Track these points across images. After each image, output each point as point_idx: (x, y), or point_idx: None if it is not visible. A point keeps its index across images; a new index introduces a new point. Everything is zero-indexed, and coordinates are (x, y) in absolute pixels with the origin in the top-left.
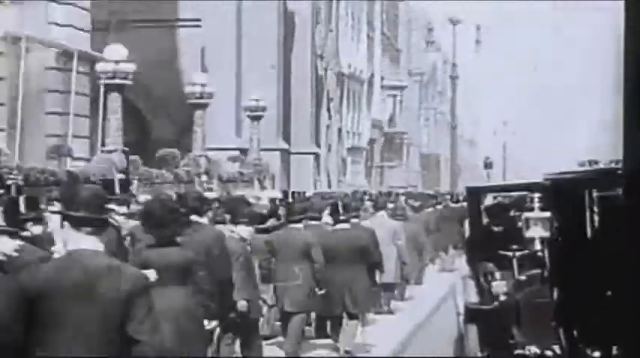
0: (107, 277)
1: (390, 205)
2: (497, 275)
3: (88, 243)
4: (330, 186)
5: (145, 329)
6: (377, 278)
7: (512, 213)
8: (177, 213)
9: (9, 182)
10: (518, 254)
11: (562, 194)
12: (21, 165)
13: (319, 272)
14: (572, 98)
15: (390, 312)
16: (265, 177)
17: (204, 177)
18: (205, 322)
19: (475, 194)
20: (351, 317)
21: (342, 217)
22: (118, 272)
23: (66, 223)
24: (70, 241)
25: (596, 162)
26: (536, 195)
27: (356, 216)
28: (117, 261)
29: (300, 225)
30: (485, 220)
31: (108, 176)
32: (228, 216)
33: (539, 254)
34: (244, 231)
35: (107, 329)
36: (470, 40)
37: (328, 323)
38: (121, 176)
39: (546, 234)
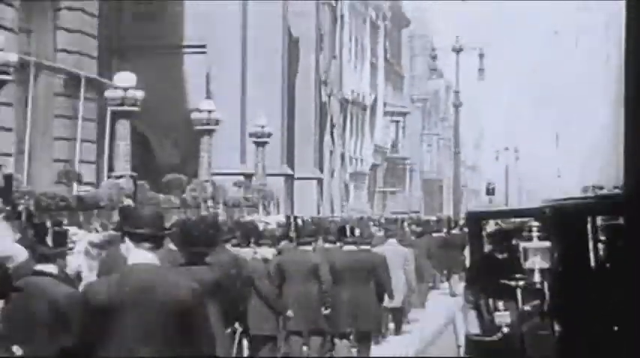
0: (166, 288)
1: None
2: (501, 305)
3: (148, 257)
4: (333, 211)
5: (201, 331)
6: (385, 301)
7: (515, 241)
8: (211, 233)
9: (20, 207)
10: (522, 283)
11: (564, 222)
12: (32, 190)
13: (326, 291)
14: (574, 119)
15: (398, 334)
16: (270, 202)
17: (210, 203)
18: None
19: (476, 219)
20: (360, 338)
21: (351, 239)
22: (176, 284)
23: (127, 239)
24: (131, 255)
25: (601, 188)
26: (535, 223)
27: (368, 243)
28: (174, 274)
29: (309, 247)
30: (486, 247)
31: (116, 201)
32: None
33: (538, 286)
34: (267, 252)
35: (166, 337)
36: (473, 67)
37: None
38: (129, 201)
39: (546, 265)
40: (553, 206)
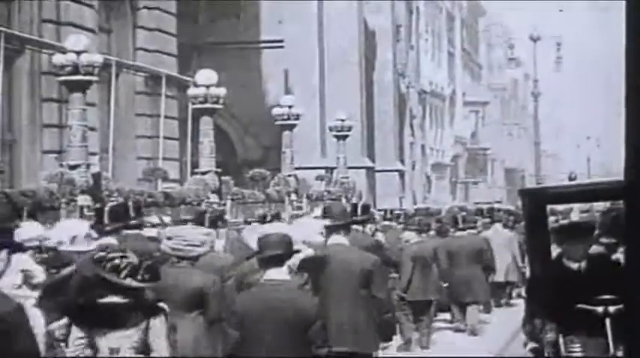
0: (357, 259)
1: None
2: (577, 347)
3: (340, 239)
4: (415, 203)
5: (381, 289)
6: (491, 277)
7: (603, 239)
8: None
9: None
10: (613, 309)
11: None
12: (121, 187)
13: (443, 271)
14: None
15: (511, 305)
16: (352, 195)
17: (293, 196)
18: None
19: (538, 201)
20: (472, 304)
21: (461, 226)
22: (364, 256)
23: (323, 229)
24: (330, 239)
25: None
26: None
27: (473, 228)
28: (360, 250)
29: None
30: (555, 251)
31: (201, 197)
32: None
33: None
34: (413, 236)
35: (356, 289)
36: (551, 55)
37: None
38: (215, 197)
39: None
40: None
